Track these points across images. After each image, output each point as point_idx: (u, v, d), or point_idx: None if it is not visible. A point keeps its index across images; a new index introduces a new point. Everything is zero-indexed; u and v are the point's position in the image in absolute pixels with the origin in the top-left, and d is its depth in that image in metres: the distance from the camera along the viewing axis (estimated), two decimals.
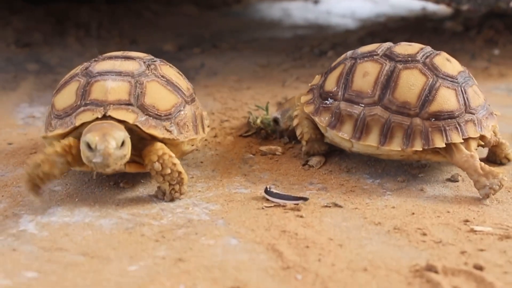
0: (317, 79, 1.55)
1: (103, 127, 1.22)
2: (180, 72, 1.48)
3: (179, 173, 1.28)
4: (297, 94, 1.68)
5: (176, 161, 1.29)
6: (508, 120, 1.79)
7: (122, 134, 1.22)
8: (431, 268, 1.04)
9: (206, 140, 1.66)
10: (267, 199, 1.32)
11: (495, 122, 1.44)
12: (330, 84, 1.48)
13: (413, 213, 1.26)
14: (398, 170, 1.47)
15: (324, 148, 1.53)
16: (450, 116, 1.37)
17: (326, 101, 1.47)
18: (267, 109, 1.77)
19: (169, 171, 1.27)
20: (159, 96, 1.34)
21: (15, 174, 1.45)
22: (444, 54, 1.46)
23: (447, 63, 1.42)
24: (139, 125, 1.29)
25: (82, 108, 1.30)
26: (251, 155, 1.57)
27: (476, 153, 1.36)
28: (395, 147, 1.37)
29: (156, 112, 1.32)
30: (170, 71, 1.43)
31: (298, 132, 1.54)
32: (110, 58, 1.41)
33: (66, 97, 1.34)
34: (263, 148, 1.59)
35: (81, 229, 1.20)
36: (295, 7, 3.76)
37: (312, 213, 1.26)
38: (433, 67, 1.40)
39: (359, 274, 1.04)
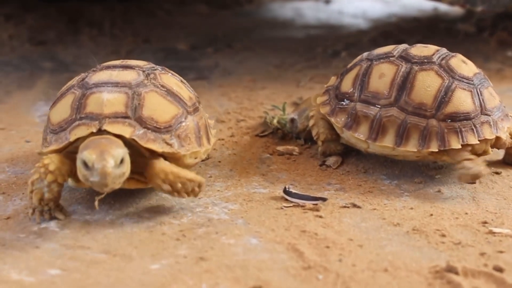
0: (332, 80, 1.56)
1: (101, 143, 1.15)
2: (184, 80, 1.42)
3: (191, 180, 1.23)
4: (313, 94, 1.69)
5: (182, 172, 1.23)
6: None
7: (121, 151, 1.15)
8: (451, 269, 1.05)
9: (223, 139, 1.67)
10: (286, 199, 1.32)
11: (511, 124, 1.44)
12: (346, 85, 1.49)
13: (431, 214, 1.27)
14: (415, 171, 1.47)
15: (340, 148, 1.54)
16: (466, 117, 1.38)
17: (342, 102, 1.48)
18: (284, 109, 1.78)
19: (179, 185, 1.21)
20: (158, 107, 1.27)
21: None
22: (460, 56, 1.46)
23: (462, 64, 1.43)
24: (137, 139, 1.22)
25: (77, 122, 1.23)
26: (268, 155, 1.58)
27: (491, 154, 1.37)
28: (411, 148, 1.38)
29: (155, 125, 1.25)
30: (171, 80, 1.35)
31: (314, 133, 1.55)
32: (108, 67, 1.34)
33: (61, 110, 1.28)
34: (280, 148, 1.60)
35: (102, 227, 1.21)
36: (306, 6, 3.75)
37: (331, 214, 1.27)
38: (449, 68, 1.41)
39: (380, 275, 1.05)
